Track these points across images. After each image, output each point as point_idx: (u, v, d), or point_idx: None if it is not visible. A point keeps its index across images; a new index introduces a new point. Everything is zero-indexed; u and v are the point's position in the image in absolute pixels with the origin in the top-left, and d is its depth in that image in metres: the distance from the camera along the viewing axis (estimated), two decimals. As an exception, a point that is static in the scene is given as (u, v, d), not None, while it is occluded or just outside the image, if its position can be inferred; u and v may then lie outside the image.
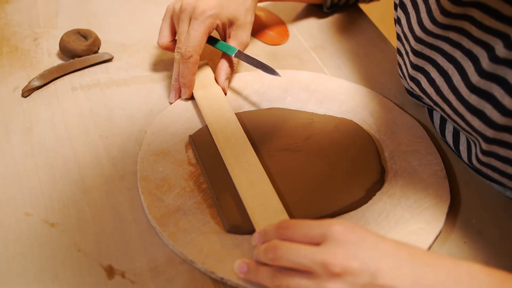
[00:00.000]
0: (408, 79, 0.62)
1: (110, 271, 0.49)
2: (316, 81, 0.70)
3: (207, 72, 0.69)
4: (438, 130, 0.64)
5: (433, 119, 0.65)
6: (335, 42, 0.79)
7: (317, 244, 0.44)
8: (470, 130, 0.53)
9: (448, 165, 0.61)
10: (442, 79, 0.55)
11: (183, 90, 0.65)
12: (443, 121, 0.62)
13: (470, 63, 0.50)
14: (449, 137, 0.61)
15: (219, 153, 0.58)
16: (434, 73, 0.56)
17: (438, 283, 0.41)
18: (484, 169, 0.55)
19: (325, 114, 0.65)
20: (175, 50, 0.65)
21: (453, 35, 0.52)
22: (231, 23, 0.67)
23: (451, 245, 0.53)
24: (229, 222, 0.52)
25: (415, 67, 0.59)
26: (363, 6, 0.87)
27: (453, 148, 0.61)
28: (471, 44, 0.50)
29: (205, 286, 0.48)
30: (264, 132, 0.62)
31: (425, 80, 0.58)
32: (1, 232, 0.52)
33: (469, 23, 0.50)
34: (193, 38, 0.63)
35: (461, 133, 0.59)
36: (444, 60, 0.54)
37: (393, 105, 0.67)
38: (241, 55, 0.66)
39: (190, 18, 0.64)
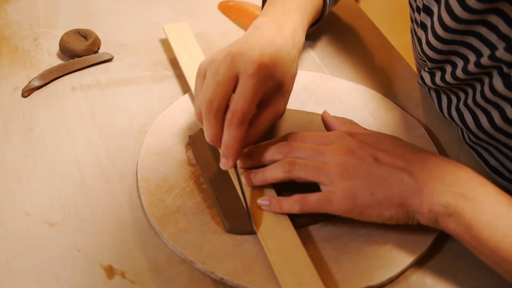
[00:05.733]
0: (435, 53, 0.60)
1: (110, 271, 0.49)
2: (316, 81, 0.70)
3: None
4: (443, 109, 0.64)
5: (440, 100, 0.66)
6: (335, 42, 0.79)
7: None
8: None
9: (448, 165, 0.61)
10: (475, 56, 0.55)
11: (224, 160, 0.52)
12: (450, 101, 0.63)
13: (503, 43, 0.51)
14: (455, 114, 0.62)
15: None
16: (469, 52, 0.56)
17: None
18: (499, 136, 0.55)
19: (325, 114, 0.65)
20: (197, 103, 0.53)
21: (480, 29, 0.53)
22: (277, 87, 0.55)
23: (451, 245, 0.53)
24: (229, 222, 0.52)
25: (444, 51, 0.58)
26: (363, 6, 0.87)
27: (461, 124, 0.61)
28: (507, 29, 0.51)
29: (205, 286, 0.48)
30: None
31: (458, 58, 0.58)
32: (1, 232, 0.52)
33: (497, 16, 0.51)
34: (244, 98, 0.49)
35: (466, 111, 0.59)
36: (479, 41, 0.54)
37: (393, 105, 0.67)
38: None
39: (239, 72, 0.51)
